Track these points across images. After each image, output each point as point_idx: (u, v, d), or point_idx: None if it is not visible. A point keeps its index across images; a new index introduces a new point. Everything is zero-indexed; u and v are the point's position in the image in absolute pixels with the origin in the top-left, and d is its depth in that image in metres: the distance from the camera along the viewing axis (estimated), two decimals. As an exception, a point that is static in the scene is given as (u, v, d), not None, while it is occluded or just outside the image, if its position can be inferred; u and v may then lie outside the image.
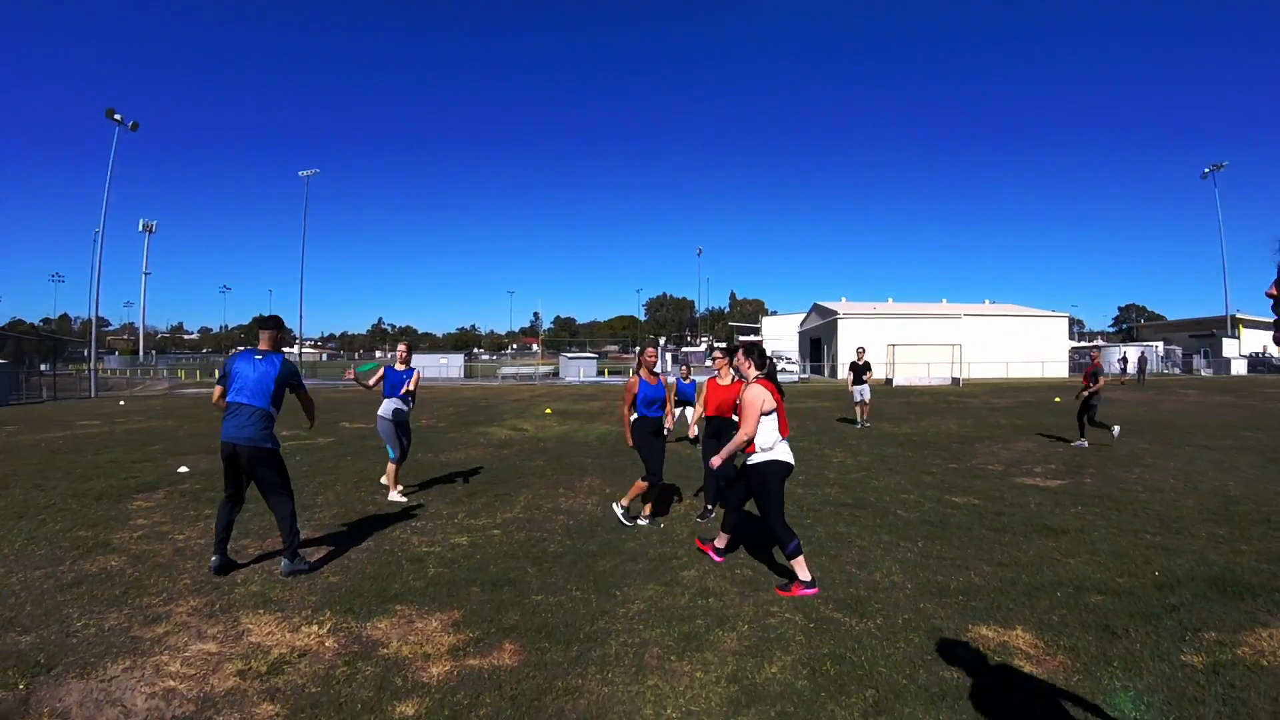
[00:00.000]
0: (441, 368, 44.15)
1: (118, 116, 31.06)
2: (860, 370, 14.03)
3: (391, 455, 6.86)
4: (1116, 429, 10.28)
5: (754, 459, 4.44)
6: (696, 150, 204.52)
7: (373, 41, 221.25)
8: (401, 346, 7.34)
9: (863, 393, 13.79)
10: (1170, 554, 4.89)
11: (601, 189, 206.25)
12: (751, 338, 75.16)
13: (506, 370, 46.31)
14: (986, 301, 50.35)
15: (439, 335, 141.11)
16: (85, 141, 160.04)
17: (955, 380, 33.76)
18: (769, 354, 4.95)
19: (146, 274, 71.67)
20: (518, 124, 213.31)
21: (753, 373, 4.69)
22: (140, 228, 71.22)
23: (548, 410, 18.29)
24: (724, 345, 5.13)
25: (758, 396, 4.41)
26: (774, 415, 4.44)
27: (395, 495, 6.86)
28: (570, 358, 45.81)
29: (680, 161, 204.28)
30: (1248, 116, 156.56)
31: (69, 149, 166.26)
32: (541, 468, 8.89)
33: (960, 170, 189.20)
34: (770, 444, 4.40)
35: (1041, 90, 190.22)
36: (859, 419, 13.79)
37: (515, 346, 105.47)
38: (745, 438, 4.41)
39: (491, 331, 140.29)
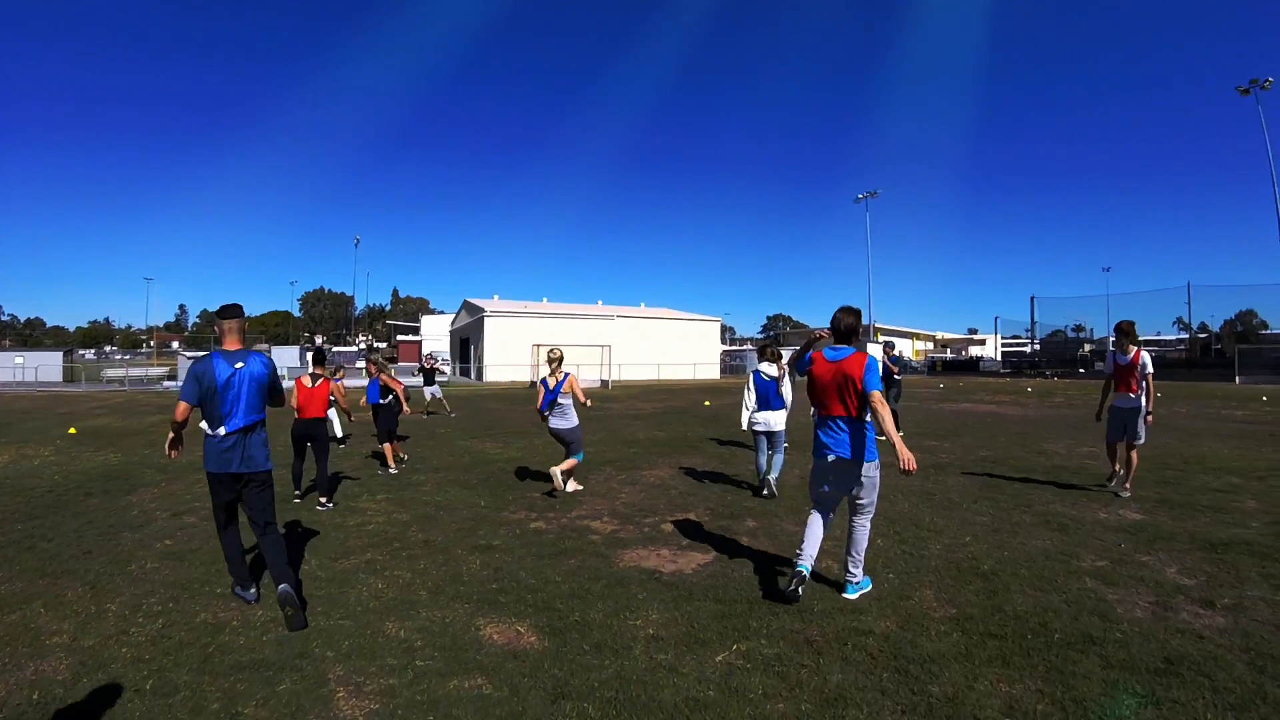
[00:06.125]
0: (15, 369, 31.98)
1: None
2: (430, 373, 17.34)
3: None
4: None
5: None
6: (357, 142, 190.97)
7: None
8: None
9: (434, 391, 16.94)
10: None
11: (254, 175, 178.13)
12: (411, 338, 70.21)
13: (112, 373, 37.33)
14: (642, 304, 51.54)
15: (70, 329, 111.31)
16: None
17: (604, 382, 33.12)
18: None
19: None
20: (171, 107, 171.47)
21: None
22: None
23: (71, 430, 13.52)
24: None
25: None
26: None
27: None
28: (190, 358, 34.81)
29: (338, 150, 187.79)
30: (889, 146, 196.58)
31: None
32: None
33: (620, 184, 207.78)
34: None
35: (698, 115, 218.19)
36: (446, 410, 16.80)
37: (152, 344, 79.30)
38: None
39: (129, 326, 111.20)
